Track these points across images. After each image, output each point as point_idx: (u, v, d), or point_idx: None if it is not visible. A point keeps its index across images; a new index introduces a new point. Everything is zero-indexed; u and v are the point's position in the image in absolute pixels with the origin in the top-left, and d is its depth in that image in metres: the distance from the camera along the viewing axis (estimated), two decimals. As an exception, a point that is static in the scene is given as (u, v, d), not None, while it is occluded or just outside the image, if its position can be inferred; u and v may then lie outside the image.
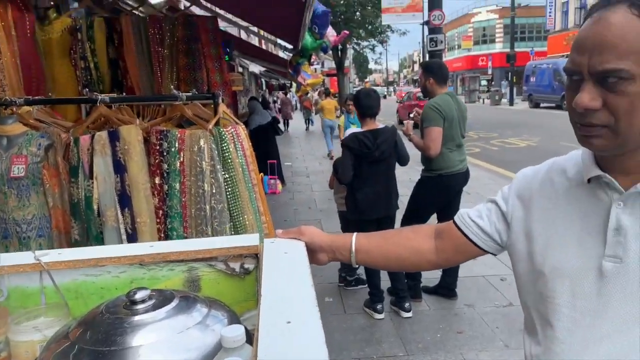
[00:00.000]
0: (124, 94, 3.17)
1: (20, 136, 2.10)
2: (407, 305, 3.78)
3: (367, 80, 78.93)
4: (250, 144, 2.55)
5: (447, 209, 3.94)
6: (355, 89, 41.30)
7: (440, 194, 3.87)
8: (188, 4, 4.39)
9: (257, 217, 2.46)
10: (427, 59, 10.42)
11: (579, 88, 0.84)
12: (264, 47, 11.95)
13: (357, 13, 20.52)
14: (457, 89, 48.91)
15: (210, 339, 0.78)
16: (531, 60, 31.40)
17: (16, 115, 2.15)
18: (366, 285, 4.01)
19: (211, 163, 2.21)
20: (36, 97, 2.31)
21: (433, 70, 3.81)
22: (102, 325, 0.78)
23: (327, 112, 12.70)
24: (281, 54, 9.52)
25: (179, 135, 2.23)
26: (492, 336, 3.43)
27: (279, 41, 6.95)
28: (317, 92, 18.97)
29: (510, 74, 31.05)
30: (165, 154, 2.25)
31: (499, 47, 45.74)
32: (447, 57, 50.59)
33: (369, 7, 19.98)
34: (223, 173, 2.25)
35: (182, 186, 2.24)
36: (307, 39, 5.37)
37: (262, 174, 8.06)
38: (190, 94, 2.48)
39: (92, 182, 2.11)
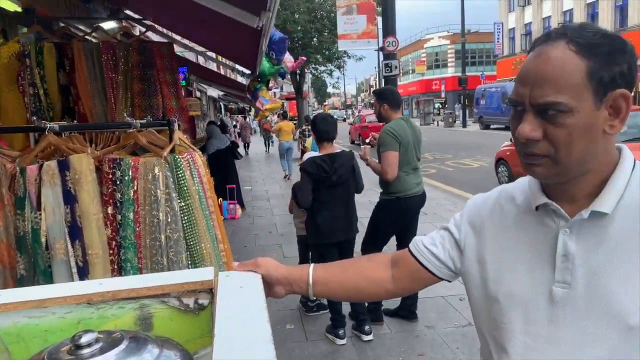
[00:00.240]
0: (75, 121, 3.08)
1: (-39, 167, 2.00)
2: (367, 328, 3.77)
3: (326, 103, 79.77)
4: (207, 170, 2.53)
5: (406, 231, 4.00)
6: (314, 112, 41.69)
7: (398, 216, 3.92)
8: (144, 30, 4.33)
9: (214, 245, 2.42)
10: (383, 83, 10.65)
11: (522, 118, 0.88)
12: (222, 72, 11.94)
13: (314, 39, 20.85)
14: (413, 112, 50.14)
15: (161, 381, 0.75)
16: (481, 84, 32.60)
17: (-43, 145, 2.05)
18: (327, 310, 3.98)
19: (166, 191, 2.16)
20: (-20, 126, 2.21)
21: (386, 96, 3.91)
22: (45, 372, 0.73)
23: (284, 134, 12.91)
24: (239, 78, 9.53)
25: (132, 163, 2.18)
26: (453, 357, 3.45)
27: (237, 66, 6.97)
28: (276, 115, 19.08)
29: (462, 97, 32.10)
30: (118, 182, 2.19)
31: (451, 71, 47.34)
32: (402, 81, 51.87)
33: (326, 33, 20.34)
34: (179, 201, 2.21)
35: (136, 216, 2.18)
36: (265, 65, 5.40)
37: (221, 199, 7.95)
38: (145, 121, 2.44)
39: (40, 214, 2.02)
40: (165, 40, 4.42)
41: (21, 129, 2.80)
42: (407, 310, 4.06)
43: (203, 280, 1.03)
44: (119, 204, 2.18)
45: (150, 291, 1.00)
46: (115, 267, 2.20)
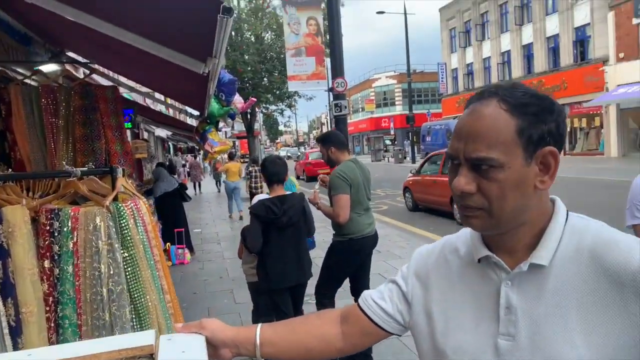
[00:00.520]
0: (11, 169, 2.93)
1: None
2: None
3: (278, 141, 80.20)
4: (152, 218, 2.44)
5: (360, 271, 3.99)
6: (266, 149, 41.72)
7: (352, 257, 3.91)
8: (87, 72, 4.24)
9: (160, 296, 2.32)
10: (333, 122, 10.83)
11: (457, 171, 0.90)
12: (170, 113, 11.81)
13: (265, 79, 21.06)
14: (364, 149, 51.10)
15: None
16: (428, 121, 33.78)
17: None
18: None
19: (108, 242, 2.07)
20: None
21: (331, 140, 3.96)
22: None
23: (231, 174, 12.88)
24: (188, 120, 9.44)
25: (72, 213, 2.08)
26: (409, 399, 3.40)
27: (186, 108, 6.91)
28: (227, 155, 18.98)
29: (410, 134, 33.09)
30: (56, 234, 2.08)
31: (399, 109, 48.86)
32: (352, 119, 53.08)
33: (276, 74, 20.60)
34: (122, 252, 2.12)
35: (75, 269, 2.07)
36: (214, 106, 5.37)
37: (169, 243, 7.67)
38: (86, 168, 2.36)
39: (-33, 271, 1.88)
40: (109, 84, 4.33)
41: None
42: (363, 354, 4.00)
43: (143, 345, 0.96)
44: (56, 257, 2.07)
45: (85, 360, 0.93)
46: (52, 325, 2.07)
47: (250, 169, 13.19)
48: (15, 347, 1.86)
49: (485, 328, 0.94)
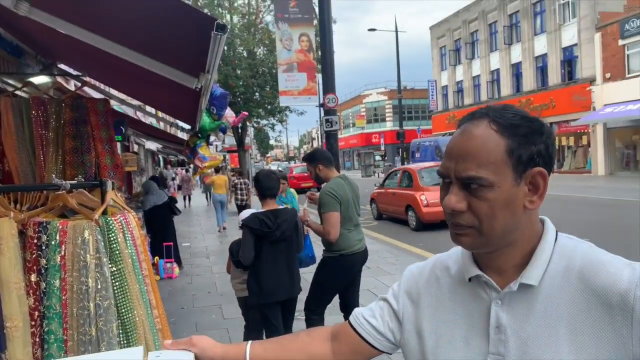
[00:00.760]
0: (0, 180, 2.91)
1: None
2: None
3: (268, 155, 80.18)
4: (142, 232, 2.42)
5: (350, 287, 3.99)
6: (256, 164, 41.70)
7: (342, 273, 3.90)
8: (79, 85, 4.23)
9: (148, 311, 2.30)
10: (324, 137, 10.88)
11: (449, 190, 0.92)
12: (161, 126, 11.79)
13: (256, 94, 21.14)
14: (354, 164, 51.23)
15: None
16: (417, 138, 34.00)
17: None
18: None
19: (97, 256, 2.05)
20: None
21: (317, 157, 3.97)
22: None
23: (217, 187, 13.02)
24: (179, 133, 9.43)
25: (60, 226, 2.07)
26: (398, 417, 3.37)
27: (177, 121, 6.90)
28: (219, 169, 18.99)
29: (400, 149, 33.24)
30: (43, 247, 2.06)
31: (389, 125, 49.16)
32: (343, 134, 53.33)
33: (267, 88, 20.70)
34: (110, 266, 2.10)
35: (62, 283, 2.05)
36: (205, 120, 5.37)
37: (157, 257, 7.60)
38: (75, 181, 2.33)
39: (-49, 285, 1.85)
40: (100, 96, 4.33)
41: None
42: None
43: (130, 362, 0.95)
44: (43, 271, 2.05)
45: (71, 377, 0.92)
46: (37, 340, 2.04)
47: (236, 181, 13.25)
48: (-1, 363, 1.83)
49: (475, 347, 0.95)
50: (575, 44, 25.34)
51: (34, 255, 2.04)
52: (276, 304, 3.63)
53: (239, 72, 19.73)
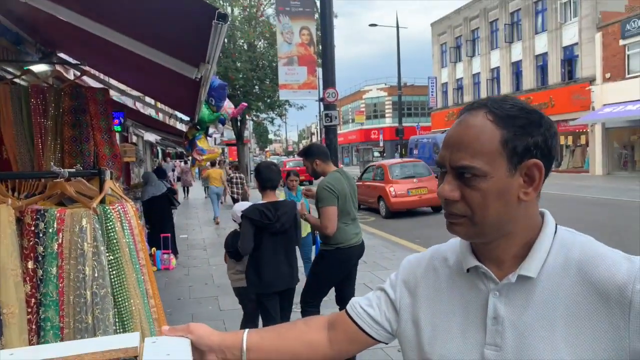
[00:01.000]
0: (-3, 168, 2.90)
1: None
2: None
3: (267, 149, 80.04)
4: (139, 221, 2.43)
5: (346, 281, 4.01)
6: (255, 158, 41.67)
7: (339, 266, 3.92)
8: (78, 74, 4.22)
9: (145, 301, 2.30)
10: (323, 132, 10.87)
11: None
12: (160, 117, 11.77)
13: (256, 87, 21.08)
14: (353, 159, 51.23)
15: None
16: (417, 134, 33.98)
17: None
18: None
19: (94, 244, 2.05)
20: None
21: (313, 152, 3.98)
22: None
23: (213, 180, 13.45)
24: (178, 125, 9.41)
25: (58, 214, 2.06)
26: (392, 411, 3.40)
27: (177, 113, 6.89)
28: (217, 162, 19.02)
29: (399, 146, 33.23)
30: (41, 235, 2.06)
31: (388, 121, 49.11)
32: (342, 130, 53.26)
33: (267, 82, 20.64)
34: (107, 255, 2.10)
35: (59, 270, 2.05)
36: (204, 112, 5.36)
37: (154, 248, 7.60)
38: (74, 169, 2.33)
39: (-51, 270, 1.85)
40: (100, 86, 4.32)
41: None
42: (346, 364, 3.99)
43: (127, 347, 0.96)
44: (40, 258, 2.05)
45: (67, 361, 0.92)
46: (33, 327, 2.04)
47: (232, 175, 13.33)
48: (-5, 348, 1.83)
49: (472, 338, 0.95)
50: (576, 43, 25.31)
51: (31, 243, 2.04)
52: (274, 294, 3.66)
53: (239, 64, 19.68)
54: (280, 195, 5.49)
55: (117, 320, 2.09)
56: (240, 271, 4.03)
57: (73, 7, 2.18)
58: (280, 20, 11.81)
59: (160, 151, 26.63)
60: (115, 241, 2.12)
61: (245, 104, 8.47)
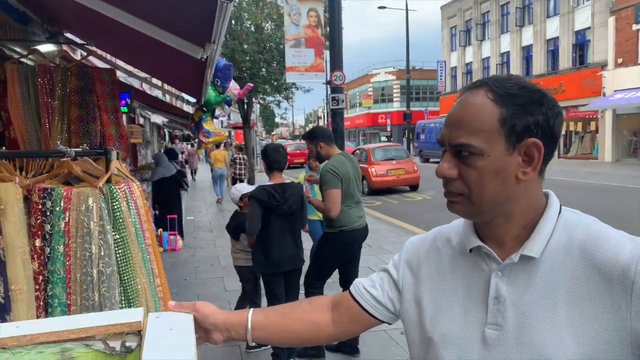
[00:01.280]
0: (5, 147, 2.93)
1: None
2: None
3: (274, 133, 79.90)
4: (145, 201, 2.45)
5: (350, 263, 4.03)
6: (262, 141, 41.68)
7: (342, 249, 3.94)
8: (85, 54, 4.21)
9: (150, 280, 2.33)
10: (330, 115, 10.84)
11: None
12: (167, 99, 11.76)
13: (263, 69, 20.93)
14: (360, 144, 51.07)
15: None
16: (423, 119, 33.77)
17: None
18: (268, 346, 3.89)
19: (100, 223, 2.07)
20: None
21: (317, 135, 3.99)
22: None
23: (217, 161, 14.04)
24: (185, 106, 9.41)
25: (65, 193, 2.08)
26: (394, 392, 3.44)
27: (183, 94, 6.88)
28: (224, 145, 19.05)
29: (407, 131, 33.08)
30: (48, 213, 2.08)
31: (396, 106, 48.74)
32: (349, 114, 52.97)
33: (274, 64, 20.48)
34: (113, 234, 2.12)
35: (66, 249, 2.07)
36: (211, 93, 5.35)
37: (161, 229, 7.67)
38: (80, 149, 2.34)
39: (-43, 247, 1.88)
40: (107, 66, 4.32)
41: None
42: (349, 346, 4.04)
43: (131, 321, 0.97)
44: (47, 236, 2.07)
45: (73, 334, 0.94)
46: (41, 303, 2.07)
47: (235, 156, 13.54)
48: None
49: (473, 317, 0.96)
50: (588, 28, 24.90)
51: (38, 221, 2.06)
52: (280, 275, 3.71)
53: (245, 47, 19.52)
54: (301, 175, 5.55)
55: (123, 297, 2.12)
56: (239, 250, 4.11)
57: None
58: (288, 2, 11.69)
59: (167, 133, 26.68)
60: (121, 220, 2.14)
61: (252, 85, 8.44)
